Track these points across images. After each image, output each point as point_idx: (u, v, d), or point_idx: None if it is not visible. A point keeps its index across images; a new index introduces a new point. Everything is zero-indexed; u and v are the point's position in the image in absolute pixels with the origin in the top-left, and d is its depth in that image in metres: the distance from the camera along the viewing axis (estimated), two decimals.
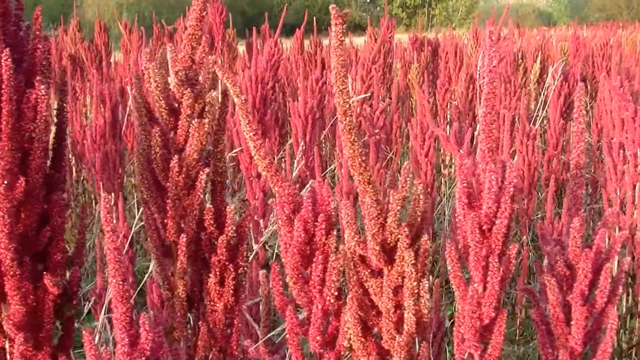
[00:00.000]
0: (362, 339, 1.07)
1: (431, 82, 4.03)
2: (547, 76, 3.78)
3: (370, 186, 1.03)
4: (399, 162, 3.28)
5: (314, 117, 2.81)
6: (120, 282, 0.95)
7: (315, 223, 1.06)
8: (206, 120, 1.09)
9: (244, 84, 2.87)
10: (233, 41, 4.43)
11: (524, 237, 2.87)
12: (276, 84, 3.34)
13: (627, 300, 2.57)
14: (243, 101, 1.07)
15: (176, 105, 1.09)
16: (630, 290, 2.55)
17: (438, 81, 3.74)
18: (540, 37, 6.91)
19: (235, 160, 2.91)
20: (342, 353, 1.10)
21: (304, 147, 2.78)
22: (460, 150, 2.54)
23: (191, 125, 1.08)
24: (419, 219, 1.05)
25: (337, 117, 1.15)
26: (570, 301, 1.09)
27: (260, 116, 2.81)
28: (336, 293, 1.07)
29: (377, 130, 2.83)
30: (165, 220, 1.12)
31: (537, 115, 3.54)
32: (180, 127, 1.09)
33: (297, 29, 4.67)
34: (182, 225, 1.13)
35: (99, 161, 2.73)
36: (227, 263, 1.15)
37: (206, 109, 1.09)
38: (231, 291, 1.16)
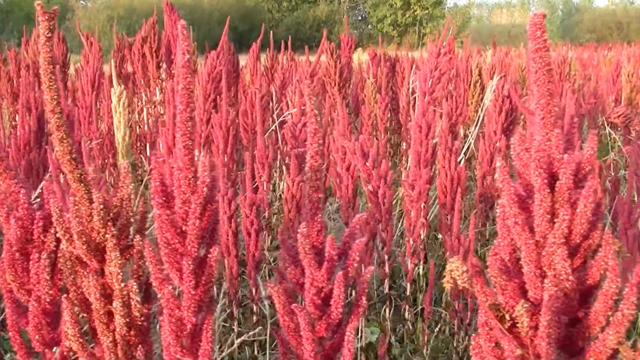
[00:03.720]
0: (80, 340, 1.05)
1: (388, 97, 4.00)
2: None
3: (82, 184, 1.02)
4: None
5: (236, 129, 2.80)
6: None
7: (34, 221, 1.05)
8: None
9: (167, 94, 2.87)
10: (193, 54, 4.46)
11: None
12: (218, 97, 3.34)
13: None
14: None
15: None
16: None
17: (378, 96, 3.72)
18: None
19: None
20: (65, 353, 1.08)
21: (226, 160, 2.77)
22: (367, 163, 2.51)
23: None
24: (130, 219, 1.03)
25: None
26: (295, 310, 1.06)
27: None
28: (51, 291, 1.06)
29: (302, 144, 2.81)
30: None
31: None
32: None
33: (254, 43, 4.69)
34: None
35: (22, 169, 2.76)
36: None
37: None
38: None
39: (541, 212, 0.99)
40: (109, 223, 1.01)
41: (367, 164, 2.49)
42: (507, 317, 1.02)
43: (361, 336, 2.57)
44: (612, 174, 3.42)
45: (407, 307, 2.66)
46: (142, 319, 1.03)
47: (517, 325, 1.00)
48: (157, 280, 1.00)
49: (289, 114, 3.04)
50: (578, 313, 1.02)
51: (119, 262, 1.00)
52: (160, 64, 4.23)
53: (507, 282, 1.00)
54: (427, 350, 2.58)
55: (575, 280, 0.99)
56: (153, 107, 4.24)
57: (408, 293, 2.65)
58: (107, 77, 4.24)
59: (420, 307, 2.72)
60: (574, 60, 6.14)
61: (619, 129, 4.09)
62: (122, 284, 1.01)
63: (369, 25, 43.38)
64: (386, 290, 2.57)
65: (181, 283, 0.99)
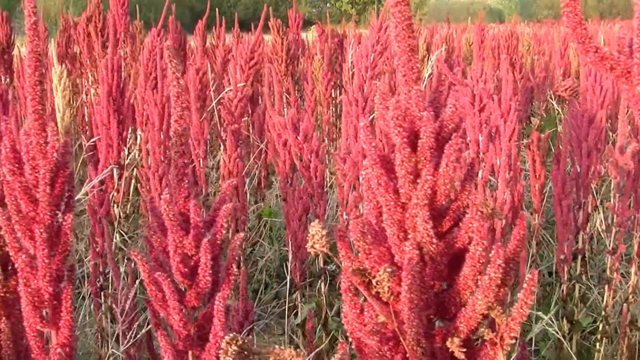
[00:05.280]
0: None
1: (336, 73, 3.99)
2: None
3: None
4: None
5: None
6: None
7: None
8: None
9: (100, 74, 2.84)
10: (140, 33, 4.42)
11: None
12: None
13: None
14: None
15: None
16: None
17: (321, 72, 3.70)
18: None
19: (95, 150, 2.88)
20: None
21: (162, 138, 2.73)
22: (298, 137, 2.49)
23: None
24: None
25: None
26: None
27: (117, 105, 2.78)
28: None
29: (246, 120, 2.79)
30: None
31: None
32: None
33: (200, 21, 4.64)
34: None
35: None
36: None
37: None
38: None
39: (403, 173, 0.96)
40: None
41: (298, 138, 2.47)
42: (374, 282, 1.00)
43: (297, 312, 2.56)
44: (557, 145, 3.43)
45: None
46: (5, 290, 1.01)
47: (379, 290, 0.98)
48: (12, 249, 0.97)
49: (228, 91, 3.01)
50: (454, 278, 1.00)
51: None
52: (106, 44, 4.15)
53: (370, 246, 0.98)
54: None
55: (442, 244, 0.97)
56: (99, 87, 4.17)
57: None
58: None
59: None
60: (526, 36, 6.16)
61: (567, 102, 4.11)
62: None
63: (328, 4, 42.91)
64: (321, 266, 2.56)
65: (36, 252, 0.96)
